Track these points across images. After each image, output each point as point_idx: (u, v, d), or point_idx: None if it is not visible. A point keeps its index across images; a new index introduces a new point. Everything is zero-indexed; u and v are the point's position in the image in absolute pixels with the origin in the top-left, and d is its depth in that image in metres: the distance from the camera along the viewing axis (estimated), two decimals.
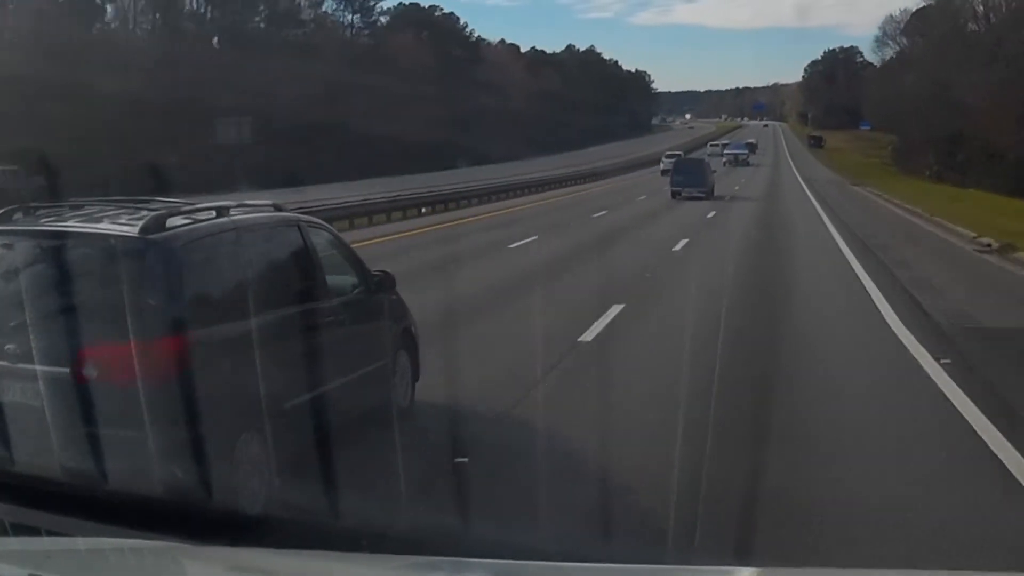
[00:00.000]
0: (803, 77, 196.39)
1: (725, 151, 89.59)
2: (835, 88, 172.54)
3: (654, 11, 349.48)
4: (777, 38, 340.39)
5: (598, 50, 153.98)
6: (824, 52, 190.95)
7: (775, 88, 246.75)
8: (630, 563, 3.87)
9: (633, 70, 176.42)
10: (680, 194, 39.64)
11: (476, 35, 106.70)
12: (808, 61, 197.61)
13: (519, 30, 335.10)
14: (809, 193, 45.57)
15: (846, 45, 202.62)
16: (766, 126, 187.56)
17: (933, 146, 63.06)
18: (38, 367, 5.09)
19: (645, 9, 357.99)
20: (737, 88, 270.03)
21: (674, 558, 4.97)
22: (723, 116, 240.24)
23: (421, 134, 59.94)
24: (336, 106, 58.79)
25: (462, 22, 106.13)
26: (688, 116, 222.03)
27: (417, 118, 63.83)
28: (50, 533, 3.74)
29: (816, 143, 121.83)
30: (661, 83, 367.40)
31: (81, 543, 3.43)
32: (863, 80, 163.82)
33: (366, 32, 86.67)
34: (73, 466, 5.15)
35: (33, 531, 3.89)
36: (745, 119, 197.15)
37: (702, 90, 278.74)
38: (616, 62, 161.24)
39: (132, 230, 5.34)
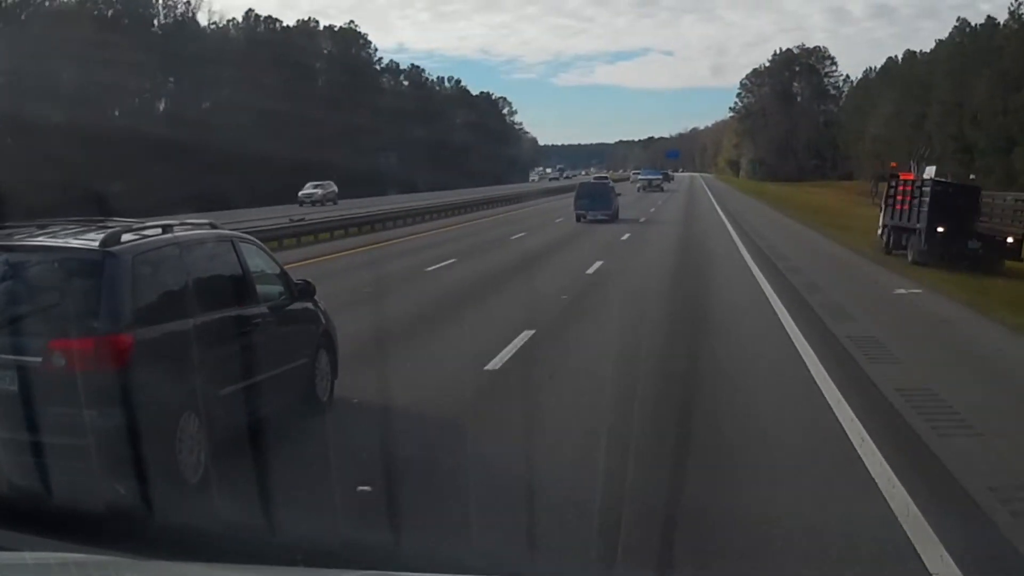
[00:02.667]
0: (737, 100, 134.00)
1: (638, 177, 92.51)
2: (794, 114, 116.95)
3: (576, 72, 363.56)
4: (694, 96, 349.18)
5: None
6: (775, 54, 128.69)
7: (693, 135, 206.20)
8: None
9: (484, 93, 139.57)
10: (585, 217, 40.15)
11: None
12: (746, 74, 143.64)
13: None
14: None
15: (809, 46, 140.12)
16: (677, 171, 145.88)
17: None
18: (10, 357, 6.16)
19: (568, 71, 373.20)
20: (651, 137, 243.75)
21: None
22: (590, 169, 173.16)
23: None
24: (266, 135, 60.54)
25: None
26: (548, 170, 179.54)
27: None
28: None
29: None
30: (571, 137, 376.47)
31: (28, 557, 3.53)
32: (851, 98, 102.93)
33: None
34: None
35: None
36: (629, 170, 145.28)
37: (612, 141, 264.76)
38: (456, 80, 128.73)
39: (93, 244, 6.48)
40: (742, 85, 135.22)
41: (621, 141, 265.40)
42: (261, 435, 7.10)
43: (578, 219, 40.08)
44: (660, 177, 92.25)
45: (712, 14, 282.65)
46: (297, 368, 8.05)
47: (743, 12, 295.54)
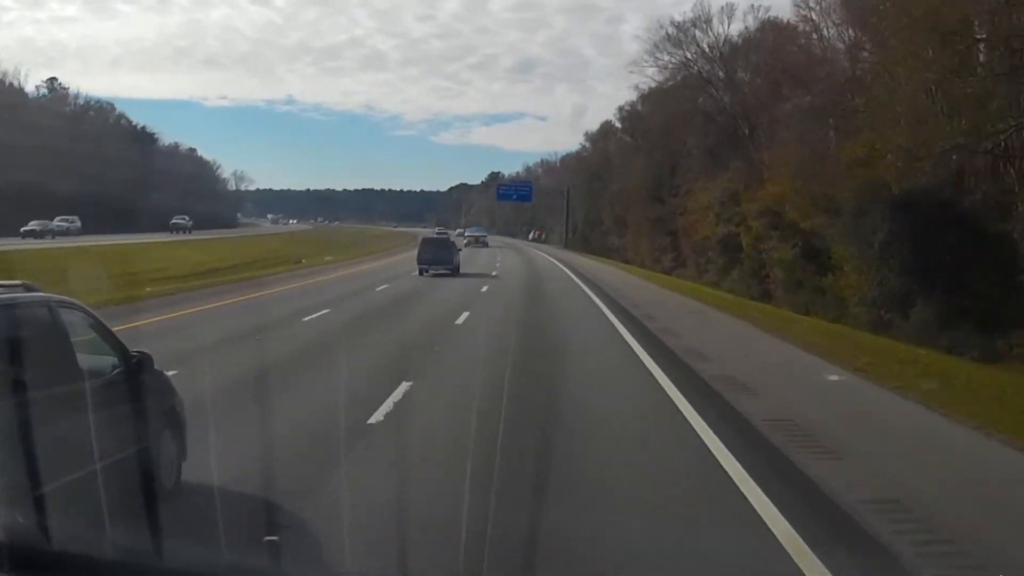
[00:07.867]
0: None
1: (466, 233, 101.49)
2: None
3: (455, 132, 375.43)
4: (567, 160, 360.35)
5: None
6: None
7: (564, 164, 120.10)
8: None
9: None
10: (427, 271, 41.09)
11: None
12: None
13: (339, 142, 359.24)
14: None
15: None
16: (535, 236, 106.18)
17: None
18: None
19: (448, 130, 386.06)
20: (494, 173, 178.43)
21: None
22: (286, 220, 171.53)
23: None
24: None
25: None
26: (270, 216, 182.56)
27: None
28: None
29: None
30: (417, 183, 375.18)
31: None
32: None
33: None
34: None
35: None
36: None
37: (455, 183, 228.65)
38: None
39: None
40: None
41: (463, 184, 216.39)
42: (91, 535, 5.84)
43: (421, 273, 41.18)
44: (485, 234, 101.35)
45: (584, 85, 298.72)
46: (134, 454, 6.78)
47: (611, 84, 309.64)
